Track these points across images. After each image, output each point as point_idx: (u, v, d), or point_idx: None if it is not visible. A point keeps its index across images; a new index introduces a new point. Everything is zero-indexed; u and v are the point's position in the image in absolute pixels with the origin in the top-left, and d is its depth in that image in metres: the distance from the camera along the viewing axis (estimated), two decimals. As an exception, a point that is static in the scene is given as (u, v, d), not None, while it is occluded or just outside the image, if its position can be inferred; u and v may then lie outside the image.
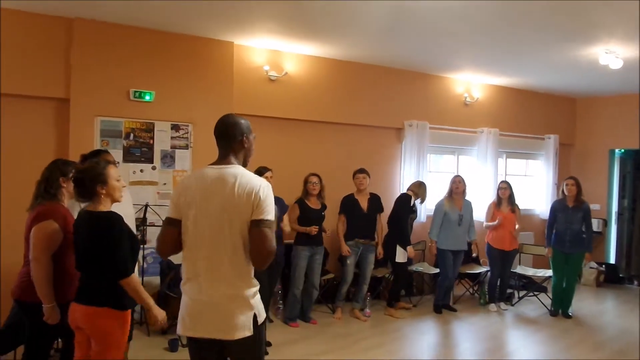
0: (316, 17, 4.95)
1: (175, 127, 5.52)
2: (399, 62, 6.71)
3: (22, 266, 3.20)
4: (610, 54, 5.63)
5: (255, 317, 2.35)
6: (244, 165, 2.48)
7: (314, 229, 5.39)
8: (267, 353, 4.54)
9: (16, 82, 4.81)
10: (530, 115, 8.50)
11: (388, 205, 6.22)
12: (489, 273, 6.65)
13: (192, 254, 2.35)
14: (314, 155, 6.40)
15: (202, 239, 2.31)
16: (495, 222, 6.36)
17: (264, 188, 2.33)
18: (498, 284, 6.53)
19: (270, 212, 2.30)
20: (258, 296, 2.40)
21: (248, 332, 2.31)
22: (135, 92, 5.26)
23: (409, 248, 6.00)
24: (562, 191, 6.23)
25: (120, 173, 2.95)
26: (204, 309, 2.32)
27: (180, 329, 2.39)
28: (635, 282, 8.39)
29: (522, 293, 6.94)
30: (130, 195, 4.07)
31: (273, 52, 6.06)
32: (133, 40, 5.26)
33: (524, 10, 4.55)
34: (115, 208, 3.47)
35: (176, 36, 5.46)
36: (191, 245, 2.34)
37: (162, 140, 5.45)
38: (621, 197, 8.90)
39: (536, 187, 8.70)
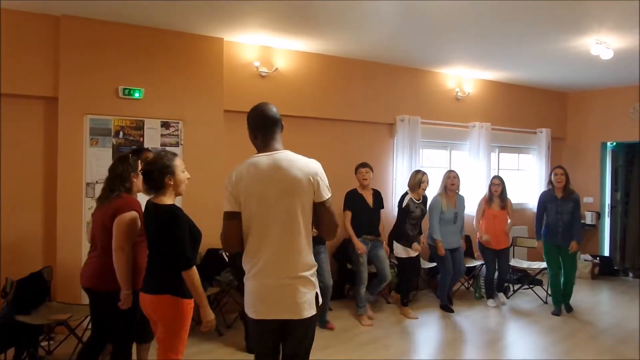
0: (306, 13, 4.91)
1: (166, 125, 5.46)
2: (390, 57, 6.69)
3: (93, 257, 3.39)
4: (601, 45, 5.62)
5: (317, 295, 2.48)
6: None
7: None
8: None
9: (3, 81, 4.73)
10: (522, 110, 8.51)
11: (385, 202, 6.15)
12: (483, 267, 6.62)
13: (257, 241, 2.42)
14: (306, 151, 6.16)
15: (265, 225, 2.40)
16: (483, 238, 6.30)
17: (320, 169, 2.50)
18: (495, 279, 6.47)
19: (329, 191, 2.50)
20: (316, 278, 2.52)
21: (313, 310, 2.45)
22: (125, 89, 5.20)
23: (413, 245, 5.73)
24: (550, 181, 6.10)
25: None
26: (273, 292, 2.41)
27: (252, 314, 2.46)
28: (630, 274, 8.41)
29: (516, 286, 6.93)
30: None
31: (263, 48, 6.02)
32: (121, 38, 5.20)
33: (514, 4, 4.54)
34: None
35: (165, 33, 5.41)
36: (255, 232, 2.42)
37: (152, 138, 5.39)
38: (614, 190, 8.92)
39: (529, 181, 8.71)
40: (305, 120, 6.41)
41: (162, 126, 5.45)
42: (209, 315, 2.92)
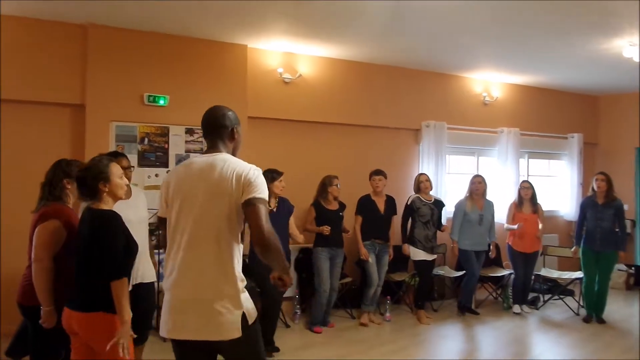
0: (330, 19, 4.89)
1: (190, 131, 5.51)
2: (414, 62, 6.61)
3: (25, 269, 3.10)
4: (634, 47, 5.44)
5: (244, 316, 2.16)
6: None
7: (325, 229, 5.24)
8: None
9: (32, 89, 4.85)
10: (552, 114, 8.30)
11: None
12: (512, 276, 6.45)
13: (177, 247, 2.19)
14: (330, 158, 6.32)
15: (187, 230, 2.16)
16: (514, 227, 6.14)
17: (254, 170, 2.20)
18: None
19: (263, 191, 2.17)
20: (246, 294, 2.21)
21: (237, 333, 2.12)
22: (150, 96, 5.26)
23: (403, 246, 5.87)
24: (592, 187, 5.98)
25: (122, 172, 2.83)
26: (187, 308, 2.14)
27: (163, 331, 2.20)
28: (667, 285, 8.07)
29: (547, 296, 6.73)
30: (146, 198, 4.04)
31: (287, 55, 6.02)
32: (147, 45, 5.28)
33: (542, 5, 4.42)
34: (131, 211, 3.38)
35: (189, 40, 5.46)
36: (175, 237, 2.19)
37: (176, 145, 5.44)
38: (649, 197, 8.59)
39: (560, 187, 8.47)
40: (330, 126, 6.39)
41: (186, 132, 5.49)
42: (126, 334, 2.54)
